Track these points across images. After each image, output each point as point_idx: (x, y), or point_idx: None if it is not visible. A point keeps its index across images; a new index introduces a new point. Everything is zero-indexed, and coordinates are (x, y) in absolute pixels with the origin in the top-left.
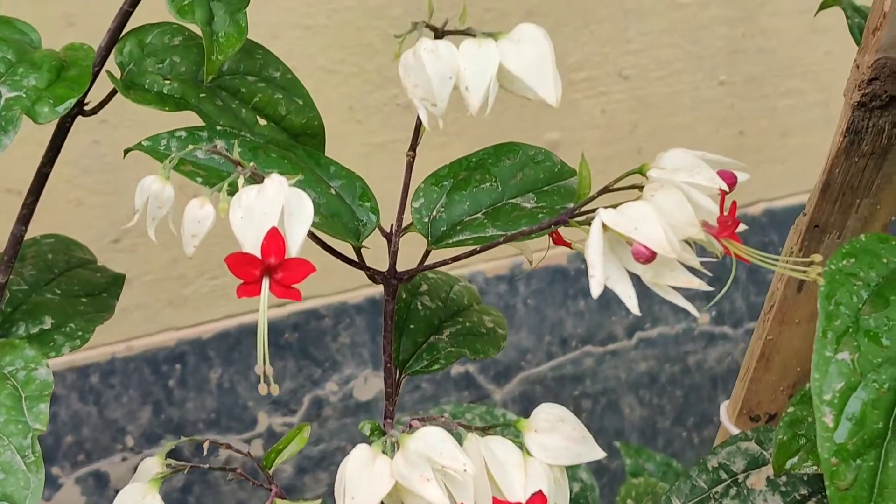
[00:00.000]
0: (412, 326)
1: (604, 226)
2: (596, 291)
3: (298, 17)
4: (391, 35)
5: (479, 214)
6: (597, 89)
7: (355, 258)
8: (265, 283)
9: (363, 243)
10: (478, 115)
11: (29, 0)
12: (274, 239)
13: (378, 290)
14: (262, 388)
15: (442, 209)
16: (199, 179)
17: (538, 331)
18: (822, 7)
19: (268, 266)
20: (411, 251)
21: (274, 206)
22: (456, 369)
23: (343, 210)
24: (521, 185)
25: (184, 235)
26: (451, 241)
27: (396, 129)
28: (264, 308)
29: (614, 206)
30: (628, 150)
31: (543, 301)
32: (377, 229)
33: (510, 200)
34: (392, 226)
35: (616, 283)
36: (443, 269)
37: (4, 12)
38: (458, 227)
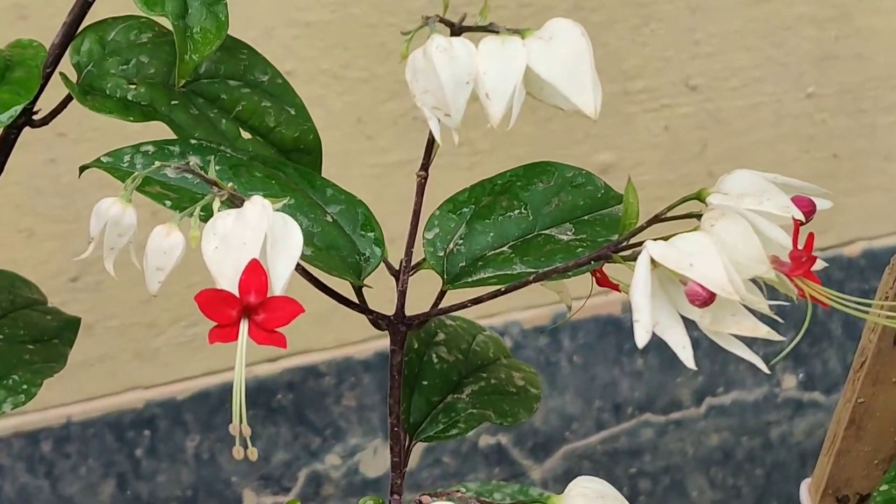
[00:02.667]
0: (425, 383)
1: (652, 261)
2: (642, 339)
3: (296, 12)
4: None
5: (504, 248)
6: (658, 101)
7: (355, 299)
8: (243, 326)
9: (365, 281)
10: (500, 129)
11: None
12: (254, 273)
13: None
14: (238, 452)
15: (460, 241)
16: (168, 203)
17: (586, 394)
18: None
19: (247, 306)
20: (425, 292)
21: (255, 235)
22: (485, 440)
23: (342, 241)
24: (557, 214)
25: (147, 269)
26: (470, 279)
27: (414, 146)
28: (241, 356)
29: (665, 238)
30: (696, 174)
31: (593, 358)
32: (383, 265)
33: (543, 231)
34: (402, 261)
35: (666, 329)
36: (465, 314)
37: None
38: (480, 263)
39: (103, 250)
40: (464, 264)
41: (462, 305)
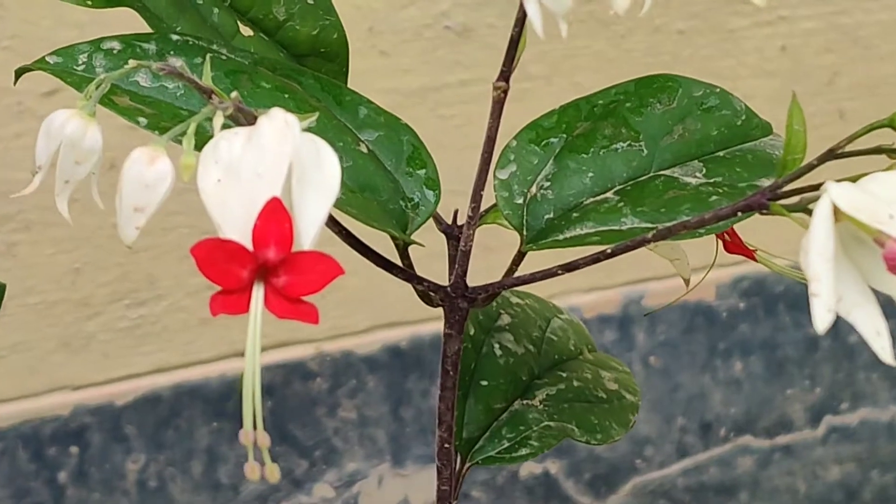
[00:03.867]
0: (485, 383)
1: (835, 211)
2: (823, 321)
3: None
4: None
5: (609, 193)
6: (774, 12)
7: (399, 261)
8: (258, 292)
9: (414, 237)
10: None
11: None
12: (275, 218)
13: (405, 333)
14: (251, 470)
15: (546, 183)
16: (143, 121)
17: (666, 408)
18: None
19: (263, 264)
20: (487, 258)
21: (275, 163)
22: (529, 467)
23: (380, 180)
24: (681, 148)
25: (121, 210)
26: (560, 236)
27: (443, 66)
28: (255, 334)
29: (852, 180)
30: (823, 113)
31: (675, 359)
32: (432, 219)
33: (662, 172)
34: (455, 213)
35: (853, 308)
36: (531, 288)
37: None
38: (575, 215)
39: (55, 184)
40: (551, 216)
41: (549, 273)
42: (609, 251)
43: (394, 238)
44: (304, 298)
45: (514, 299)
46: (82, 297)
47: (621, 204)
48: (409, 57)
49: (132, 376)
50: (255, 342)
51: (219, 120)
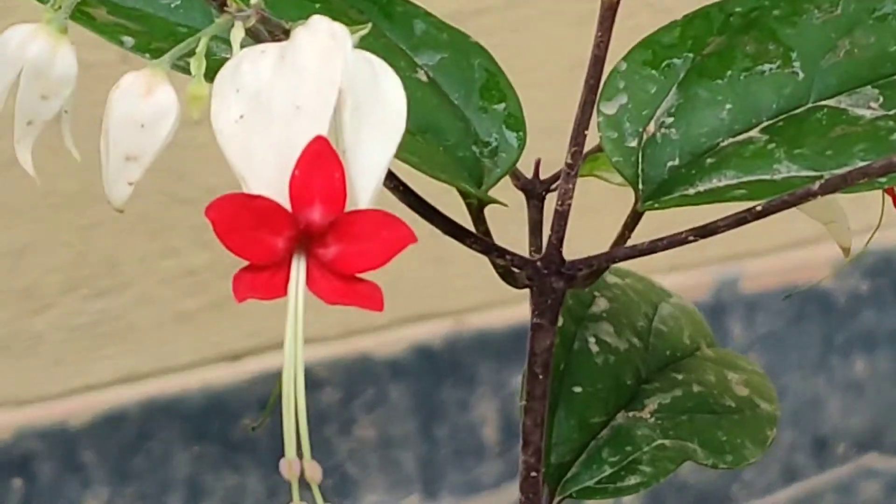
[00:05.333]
0: (578, 390)
1: None
2: None
3: None
4: None
5: (754, 132)
6: None
7: (471, 226)
8: (299, 266)
9: (490, 193)
10: None
11: None
12: (321, 166)
13: (438, 329)
14: None
15: (669, 119)
16: (129, 41)
17: None
18: None
19: (307, 229)
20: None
21: (319, 91)
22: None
23: (445, 118)
24: (850, 69)
25: (108, 160)
26: (691, 190)
27: None
28: (297, 326)
29: None
30: None
31: (781, 357)
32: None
33: (824, 102)
34: (536, 164)
35: None
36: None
37: None
38: (709, 161)
39: (14, 126)
40: (675, 163)
41: (676, 240)
42: (759, 209)
43: (465, 196)
44: (362, 276)
45: (612, 278)
46: (25, 287)
47: (772, 145)
48: None
49: (91, 388)
50: (296, 337)
51: (238, 33)
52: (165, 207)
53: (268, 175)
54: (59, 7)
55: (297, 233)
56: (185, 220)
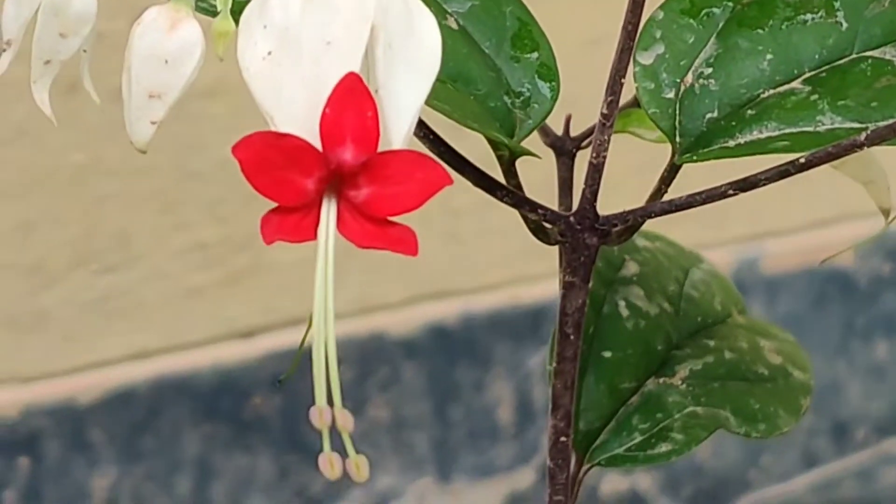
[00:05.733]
0: (608, 355)
1: None
2: None
3: None
4: None
5: (796, 83)
6: None
7: (502, 179)
8: (329, 208)
9: (524, 144)
10: None
11: None
12: (353, 104)
13: (453, 307)
14: (329, 465)
15: (707, 70)
16: None
17: None
18: None
19: (338, 168)
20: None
21: (351, 27)
22: (611, 481)
23: (476, 67)
24: (894, 19)
25: (131, 98)
26: (731, 142)
27: None
28: (328, 270)
29: None
30: None
31: (801, 340)
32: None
33: (868, 53)
34: (567, 119)
35: None
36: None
37: None
38: (750, 112)
39: (31, 66)
40: (714, 114)
41: (715, 194)
42: (803, 161)
43: (496, 148)
44: (395, 219)
45: (641, 241)
46: (34, 261)
47: (815, 97)
48: None
49: (99, 365)
50: (326, 282)
51: None
52: (177, 180)
53: (297, 113)
54: None
55: (327, 173)
56: (197, 194)
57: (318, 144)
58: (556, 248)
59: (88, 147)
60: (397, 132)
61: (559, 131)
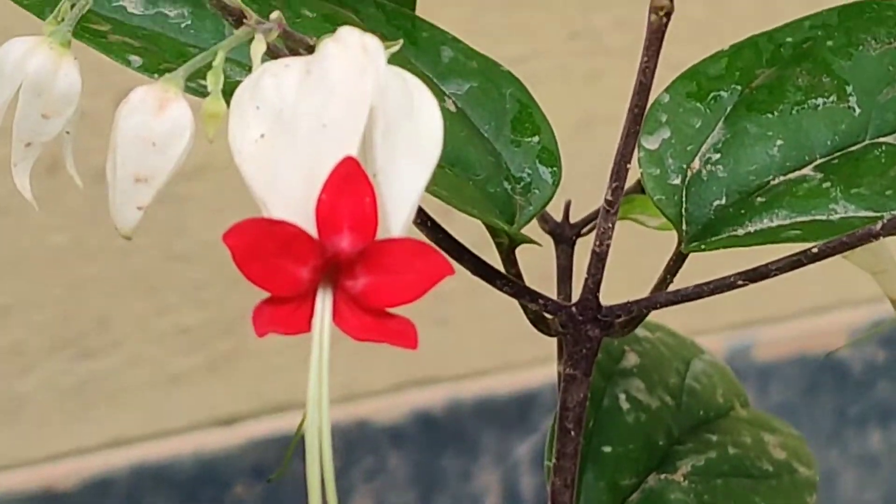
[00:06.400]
0: (608, 450)
1: None
2: None
3: None
4: None
5: (807, 170)
6: None
7: (500, 266)
8: (324, 300)
9: (523, 231)
10: None
11: None
12: (351, 190)
13: (440, 394)
14: None
15: (715, 155)
16: (136, 60)
17: None
18: None
19: (334, 257)
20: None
21: (350, 108)
22: None
23: (475, 151)
24: None
25: (116, 182)
26: (741, 231)
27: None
28: (323, 366)
29: None
30: None
31: (794, 428)
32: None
33: (883, 139)
34: (567, 206)
35: None
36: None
37: None
38: (759, 200)
39: (12, 148)
40: (722, 202)
41: (724, 284)
42: (815, 251)
43: (494, 235)
44: (394, 311)
45: (642, 332)
46: (11, 345)
47: (827, 184)
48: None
49: (77, 452)
50: (321, 378)
51: (260, 47)
52: (159, 263)
53: (291, 199)
54: (63, 19)
55: (323, 262)
56: (180, 277)
57: (313, 232)
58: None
59: (69, 228)
60: (396, 219)
61: (557, 217)
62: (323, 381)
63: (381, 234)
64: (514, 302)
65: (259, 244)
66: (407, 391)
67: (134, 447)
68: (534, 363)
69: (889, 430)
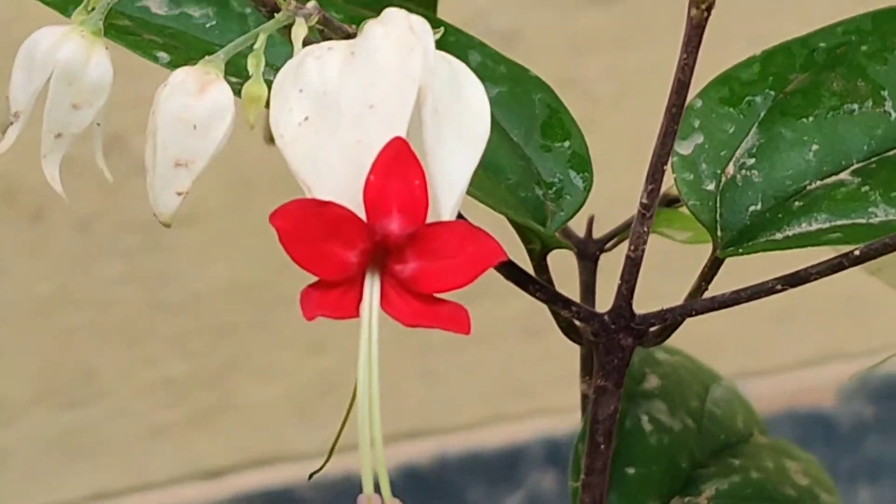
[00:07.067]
0: (631, 472)
1: None
2: None
3: None
4: None
5: (844, 174)
6: None
7: (531, 271)
8: (372, 284)
9: (557, 234)
10: None
11: None
12: (400, 172)
13: (427, 448)
14: None
15: (749, 160)
16: (164, 56)
17: None
18: None
19: (383, 241)
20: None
21: (398, 89)
22: None
23: (505, 156)
24: None
25: (155, 166)
26: (779, 235)
27: None
28: (372, 355)
29: None
30: None
31: None
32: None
33: None
34: (590, 221)
35: None
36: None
37: None
38: (797, 204)
39: (42, 139)
40: (758, 207)
41: (762, 290)
42: (857, 253)
43: (526, 241)
44: (444, 296)
45: (661, 355)
46: None
47: (866, 188)
48: None
49: None
50: (370, 364)
51: (301, 31)
52: (145, 313)
53: (337, 182)
54: (93, 8)
55: (371, 246)
56: (166, 328)
57: (361, 214)
58: (532, 386)
59: (54, 277)
60: (446, 202)
61: (580, 233)
62: (373, 371)
63: (430, 218)
64: (502, 355)
65: (306, 227)
66: (394, 445)
67: (117, 500)
68: (521, 416)
69: (878, 486)
